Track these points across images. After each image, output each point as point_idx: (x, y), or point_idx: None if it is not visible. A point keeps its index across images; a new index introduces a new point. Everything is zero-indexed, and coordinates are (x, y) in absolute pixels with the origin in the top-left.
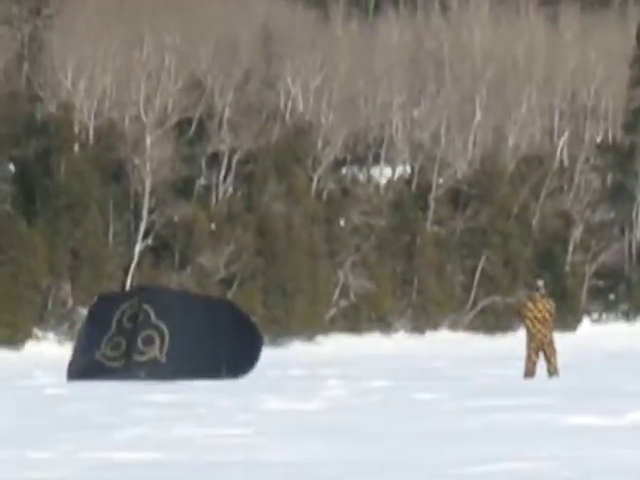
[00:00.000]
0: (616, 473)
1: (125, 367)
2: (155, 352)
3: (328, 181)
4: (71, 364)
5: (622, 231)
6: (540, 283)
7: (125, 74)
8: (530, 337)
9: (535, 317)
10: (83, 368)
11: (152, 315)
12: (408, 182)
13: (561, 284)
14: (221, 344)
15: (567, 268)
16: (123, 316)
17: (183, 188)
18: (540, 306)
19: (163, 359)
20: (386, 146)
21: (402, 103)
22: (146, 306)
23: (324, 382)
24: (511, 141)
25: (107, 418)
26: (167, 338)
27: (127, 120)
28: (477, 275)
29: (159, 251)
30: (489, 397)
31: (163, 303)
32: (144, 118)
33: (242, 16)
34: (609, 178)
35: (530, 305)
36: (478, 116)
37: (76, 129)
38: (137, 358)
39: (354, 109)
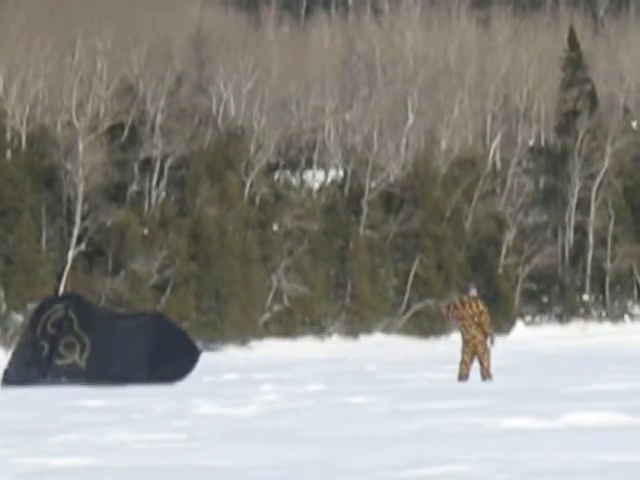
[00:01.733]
0: (551, 475)
1: (47, 371)
2: (75, 357)
3: (261, 185)
4: (6, 371)
5: (555, 234)
6: (473, 291)
7: (57, 79)
8: (463, 341)
9: (464, 317)
10: (18, 374)
11: (75, 324)
12: (341, 186)
13: (494, 287)
14: (144, 353)
15: (500, 271)
16: (48, 321)
17: (116, 193)
18: (469, 309)
19: (83, 363)
20: (319, 150)
21: (334, 107)
22: (71, 314)
23: (258, 387)
24: (444, 144)
25: (40, 424)
26: (88, 346)
27: (59, 126)
28: (410, 279)
29: (92, 257)
30: (423, 401)
31: (88, 314)
32: (76, 124)
33: (174, 21)
34: (542, 181)
35: (458, 305)
36: (410, 119)
37: (8, 135)
38: (58, 362)
39: (286, 113)
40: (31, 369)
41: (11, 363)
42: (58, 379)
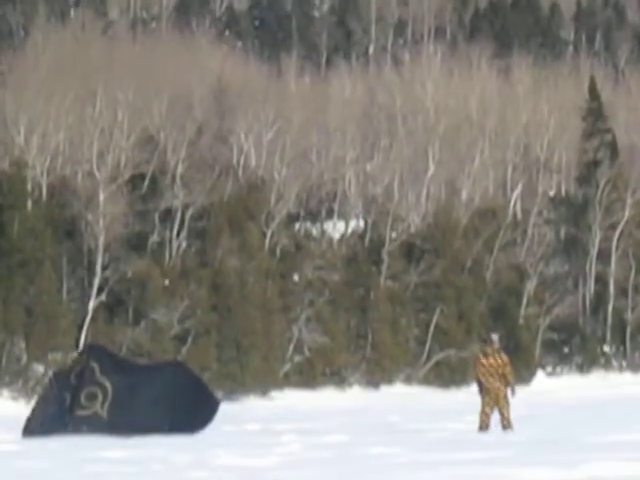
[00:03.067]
0: None
1: (68, 422)
2: (97, 407)
3: (281, 236)
4: (29, 420)
5: (576, 284)
6: (494, 337)
7: (78, 130)
8: (484, 391)
9: (488, 371)
10: (39, 425)
11: (97, 372)
12: (361, 236)
13: (515, 337)
14: (165, 403)
15: (521, 321)
16: (71, 373)
17: (136, 244)
18: (492, 360)
19: (104, 414)
20: (339, 200)
21: (355, 157)
22: (93, 363)
23: (279, 437)
24: (464, 194)
25: (60, 474)
26: (110, 394)
27: (80, 176)
28: (431, 329)
29: (113, 307)
30: (444, 451)
31: (109, 361)
32: (97, 174)
33: (195, 71)
34: (562, 231)
35: (483, 360)
36: (431, 170)
37: (29, 186)
38: (79, 412)
39: (307, 164)
40: (53, 420)
41: (33, 414)
42: (79, 429)
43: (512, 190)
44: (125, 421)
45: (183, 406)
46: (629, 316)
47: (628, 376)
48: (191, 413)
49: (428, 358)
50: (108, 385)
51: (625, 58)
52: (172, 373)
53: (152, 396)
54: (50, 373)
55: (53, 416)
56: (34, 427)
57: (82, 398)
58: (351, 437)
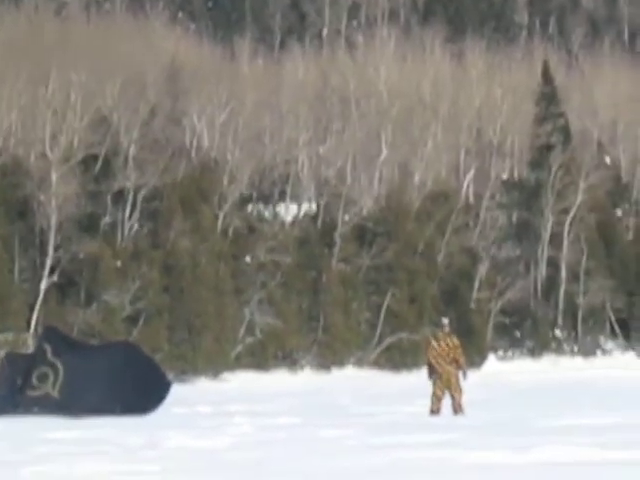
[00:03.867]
0: None
1: (19, 402)
2: (48, 387)
3: (234, 218)
4: None
5: (527, 268)
6: (445, 321)
7: (30, 111)
8: (436, 374)
9: (440, 355)
10: None
11: (49, 352)
12: (314, 219)
13: (467, 321)
14: (116, 383)
15: (473, 305)
16: (23, 357)
17: (88, 225)
18: (443, 344)
19: (56, 394)
20: (292, 183)
21: (308, 140)
22: (45, 344)
23: (231, 419)
24: (417, 178)
25: (10, 455)
26: (61, 375)
27: (32, 157)
28: (383, 312)
29: (65, 288)
30: (395, 434)
31: (62, 342)
32: (49, 155)
33: (149, 53)
34: (515, 215)
35: (434, 344)
36: (384, 153)
37: None
38: (30, 393)
39: (260, 146)
40: (3, 401)
41: None
42: (30, 410)
43: (465, 174)
44: (76, 402)
45: (134, 387)
46: (580, 300)
47: (579, 361)
48: (142, 394)
49: (380, 341)
50: (60, 365)
51: (579, 43)
52: (123, 353)
53: (103, 377)
54: (2, 355)
55: (4, 398)
56: None
57: (33, 379)
58: (303, 419)
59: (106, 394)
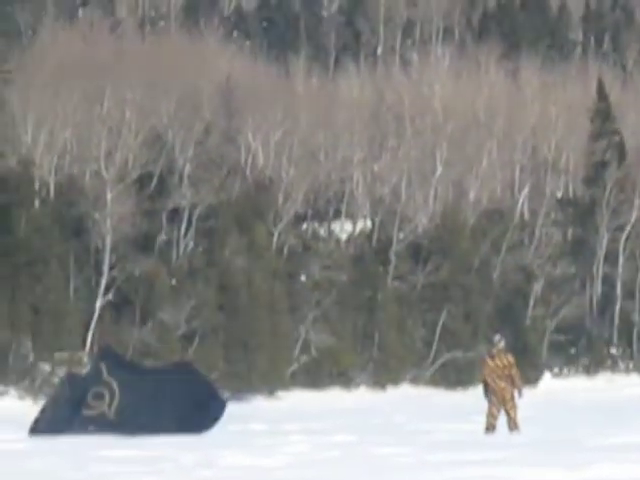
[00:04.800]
0: None
1: (74, 421)
2: (104, 407)
3: (289, 236)
4: (37, 420)
5: (583, 285)
6: (497, 337)
7: (85, 129)
8: (491, 392)
9: (495, 372)
10: (47, 424)
11: (104, 372)
12: (369, 237)
13: (522, 338)
14: (172, 402)
15: (528, 322)
16: (81, 377)
17: (144, 243)
18: (498, 361)
19: (112, 414)
20: (347, 201)
21: (362, 158)
22: (101, 364)
23: (286, 437)
24: (472, 195)
25: (68, 473)
26: (117, 395)
27: (88, 175)
28: (438, 330)
29: (120, 306)
30: (450, 452)
31: (117, 363)
32: (104, 173)
33: (204, 71)
34: (570, 232)
35: (489, 362)
36: (439, 170)
37: (36, 184)
38: (86, 412)
39: (315, 164)
40: (61, 421)
41: (42, 414)
42: (86, 428)
43: (520, 191)
44: (132, 421)
45: (190, 406)
46: (636, 318)
47: (635, 378)
48: (198, 413)
49: (435, 359)
50: (115, 386)
51: (633, 59)
52: (178, 373)
53: (159, 396)
54: (64, 375)
55: (63, 417)
56: (42, 427)
57: (89, 398)
58: (358, 437)
59: (161, 413)
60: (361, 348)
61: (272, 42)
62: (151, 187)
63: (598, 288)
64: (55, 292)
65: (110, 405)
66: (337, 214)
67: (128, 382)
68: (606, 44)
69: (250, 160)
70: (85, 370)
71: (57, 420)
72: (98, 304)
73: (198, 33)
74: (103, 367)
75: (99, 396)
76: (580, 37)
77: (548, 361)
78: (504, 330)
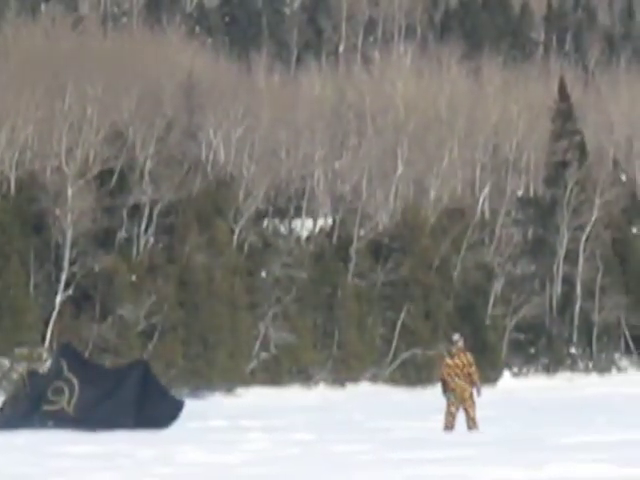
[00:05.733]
0: None
1: (33, 416)
2: (63, 403)
3: (249, 233)
4: None
5: (543, 285)
6: (456, 337)
7: (47, 125)
8: (449, 390)
9: (454, 371)
10: (6, 420)
11: (65, 368)
12: (329, 234)
13: (482, 337)
14: (130, 401)
15: (488, 321)
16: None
17: (104, 239)
18: (457, 360)
19: (70, 410)
20: (307, 198)
21: (324, 155)
22: (62, 360)
23: (245, 434)
24: (432, 193)
25: (25, 468)
26: (76, 391)
27: (48, 171)
28: (398, 327)
29: (80, 302)
30: (410, 450)
31: (78, 360)
32: (65, 169)
33: (165, 67)
34: (530, 232)
35: (448, 360)
36: (400, 168)
37: None
38: (46, 407)
39: (276, 161)
40: (21, 417)
41: (2, 411)
42: (45, 424)
43: (480, 190)
44: (91, 416)
45: (148, 405)
46: (596, 317)
47: (594, 377)
48: (156, 411)
49: (394, 357)
50: (75, 382)
51: (595, 59)
52: (137, 376)
53: (117, 393)
54: (24, 372)
55: (22, 413)
56: (0, 423)
57: (49, 393)
58: (317, 435)
59: (120, 409)
60: (321, 345)
61: (234, 39)
62: (112, 183)
63: (558, 287)
64: (15, 287)
65: (69, 401)
66: (298, 211)
67: (88, 379)
68: (568, 44)
69: (211, 157)
70: (45, 367)
71: (16, 416)
72: (58, 300)
73: (160, 29)
74: (64, 363)
75: (59, 391)
76: (542, 37)
77: (508, 360)
78: (464, 329)
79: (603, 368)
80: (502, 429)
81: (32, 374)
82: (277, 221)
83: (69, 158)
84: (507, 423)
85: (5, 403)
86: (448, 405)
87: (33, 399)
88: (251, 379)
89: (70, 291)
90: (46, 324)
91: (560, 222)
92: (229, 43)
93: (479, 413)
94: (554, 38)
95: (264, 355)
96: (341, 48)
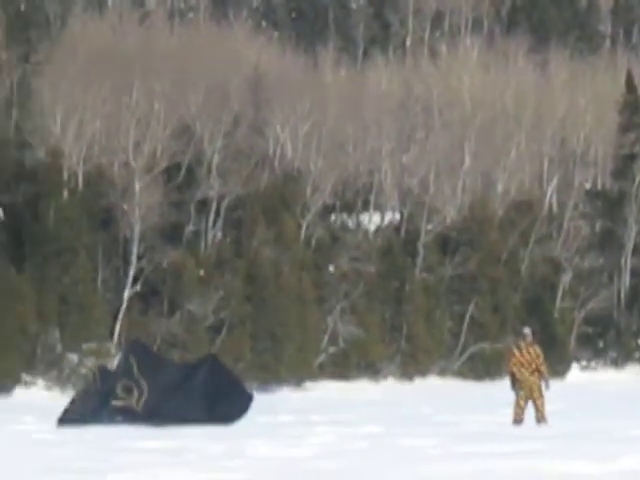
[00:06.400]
0: None
1: (102, 410)
2: (132, 401)
3: (317, 227)
4: (66, 411)
5: (611, 278)
6: (527, 331)
7: (114, 120)
8: (519, 384)
9: (522, 364)
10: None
11: (135, 368)
12: (397, 228)
13: (550, 331)
14: (200, 397)
15: (556, 314)
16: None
17: (172, 234)
18: (526, 354)
19: (139, 409)
20: (375, 192)
21: (391, 149)
22: (132, 359)
23: (313, 428)
24: (500, 187)
25: (93, 463)
26: (145, 394)
27: (116, 166)
28: (466, 321)
29: (148, 297)
30: (478, 443)
31: (148, 358)
32: (133, 164)
33: (232, 62)
34: (598, 225)
35: (516, 353)
36: (467, 162)
37: (65, 175)
38: (115, 403)
39: (343, 155)
40: (90, 413)
41: (72, 405)
42: (113, 419)
43: (548, 183)
44: (159, 412)
45: (217, 398)
46: None
47: None
48: (225, 405)
49: (462, 351)
50: (144, 385)
51: None
52: (206, 368)
53: (187, 390)
54: (95, 368)
55: (91, 408)
56: (70, 417)
57: (118, 389)
58: (385, 428)
59: (189, 404)
60: (389, 339)
61: (301, 33)
62: (179, 178)
63: (626, 280)
64: (83, 282)
65: (138, 401)
66: (365, 205)
67: (157, 377)
68: (635, 36)
69: (278, 151)
70: (114, 363)
71: (86, 411)
72: (126, 295)
73: (227, 24)
74: (133, 362)
75: (128, 389)
76: (609, 30)
77: (576, 353)
78: (532, 322)
79: None
80: (571, 422)
81: (103, 370)
82: (345, 215)
83: (137, 153)
84: (576, 416)
85: (75, 398)
86: (517, 399)
87: (103, 395)
88: (319, 373)
89: (138, 286)
90: (114, 319)
91: (628, 215)
92: (295, 38)
93: (548, 407)
94: (621, 31)
95: (332, 349)
96: (408, 42)
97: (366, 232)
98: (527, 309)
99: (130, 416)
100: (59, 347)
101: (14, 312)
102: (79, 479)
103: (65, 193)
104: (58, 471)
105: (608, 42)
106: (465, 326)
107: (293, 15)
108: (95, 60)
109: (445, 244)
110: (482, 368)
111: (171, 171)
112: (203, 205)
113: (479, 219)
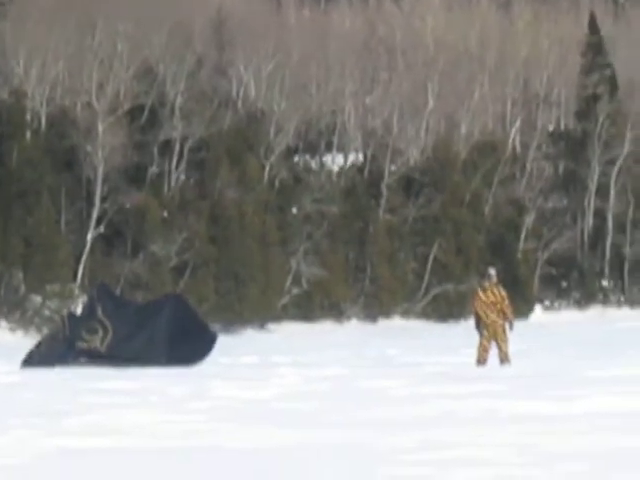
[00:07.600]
0: (567, 459)
1: (67, 352)
2: (96, 342)
3: (280, 168)
4: (31, 353)
5: (574, 219)
6: (492, 271)
7: (77, 61)
8: (483, 325)
9: (487, 306)
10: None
11: (99, 310)
12: (360, 169)
13: (513, 271)
14: (162, 335)
15: (519, 255)
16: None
17: (135, 175)
18: (490, 295)
19: (103, 349)
20: (338, 133)
21: (354, 90)
22: (96, 301)
23: (277, 369)
24: (463, 128)
25: (58, 405)
26: (110, 334)
27: (79, 107)
28: (429, 263)
29: (111, 239)
30: (442, 384)
31: (112, 302)
32: (96, 105)
33: (195, 3)
34: (561, 166)
35: (481, 295)
36: (430, 103)
37: (28, 116)
38: (79, 344)
39: (306, 96)
40: (56, 355)
41: (38, 348)
42: (77, 360)
43: (511, 124)
44: (123, 352)
45: (181, 338)
46: (627, 251)
47: (626, 311)
48: (188, 346)
49: (426, 292)
50: (109, 326)
51: None
52: (170, 306)
53: (150, 328)
54: (64, 314)
55: (59, 354)
56: (35, 360)
57: (83, 331)
58: (349, 370)
59: (152, 345)
60: (352, 281)
61: None
62: (142, 119)
63: (589, 221)
64: (46, 224)
65: (102, 341)
66: (329, 147)
67: (121, 319)
68: None
69: (241, 92)
70: (78, 305)
71: (53, 355)
72: (89, 236)
73: None
74: (98, 305)
75: (93, 331)
76: None
77: (539, 294)
78: (495, 263)
79: (635, 301)
80: (534, 363)
81: (71, 316)
82: (308, 156)
83: (100, 94)
84: (539, 357)
85: (41, 341)
86: (481, 340)
87: (70, 340)
88: (283, 314)
89: (101, 228)
90: (77, 261)
91: (591, 156)
92: None
93: (511, 347)
94: None
95: (295, 290)
96: None
97: (329, 173)
98: (491, 250)
99: (94, 357)
100: (22, 288)
101: None
102: (45, 422)
103: (28, 134)
104: (23, 414)
105: None
106: (429, 267)
107: None
108: (58, 1)
109: (409, 185)
110: (445, 309)
111: (134, 112)
112: (166, 146)
113: (442, 160)
